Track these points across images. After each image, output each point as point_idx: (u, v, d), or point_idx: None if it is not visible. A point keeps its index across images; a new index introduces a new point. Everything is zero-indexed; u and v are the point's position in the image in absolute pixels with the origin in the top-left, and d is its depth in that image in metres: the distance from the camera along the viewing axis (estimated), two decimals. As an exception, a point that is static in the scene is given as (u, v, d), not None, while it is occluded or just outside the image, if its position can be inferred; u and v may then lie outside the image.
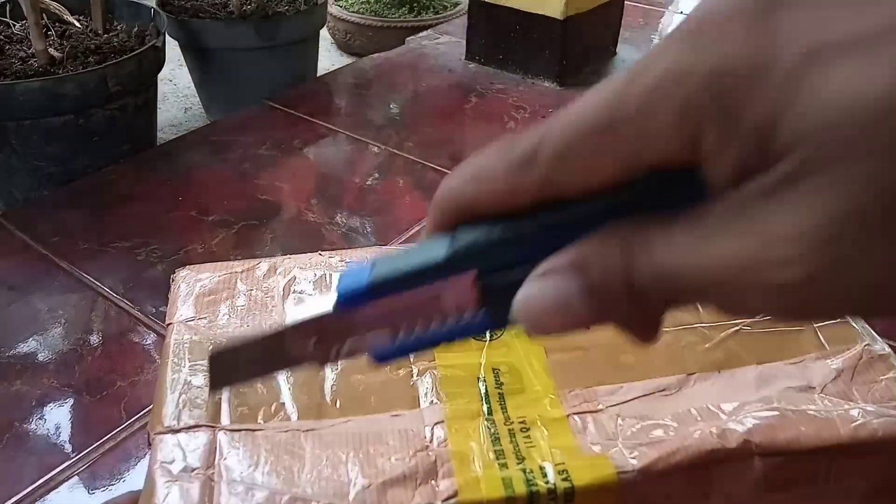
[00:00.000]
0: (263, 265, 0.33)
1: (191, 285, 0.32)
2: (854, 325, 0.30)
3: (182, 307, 0.31)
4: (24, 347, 0.46)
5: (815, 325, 0.30)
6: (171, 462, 0.25)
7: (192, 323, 0.30)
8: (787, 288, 0.12)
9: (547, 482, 0.24)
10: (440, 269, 0.16)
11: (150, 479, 0.24)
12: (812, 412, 0.26)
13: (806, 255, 0.12)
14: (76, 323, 0.48)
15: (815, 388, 0.28)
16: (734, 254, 0.12)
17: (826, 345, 0.29)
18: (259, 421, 0.26)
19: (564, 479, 0.24)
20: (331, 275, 0.33)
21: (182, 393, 0.27)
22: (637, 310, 0.14)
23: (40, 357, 0.46)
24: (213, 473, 0.24)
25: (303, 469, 0.25)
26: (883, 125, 0.11)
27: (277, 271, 0.33)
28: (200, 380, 0.28)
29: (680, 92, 0.12)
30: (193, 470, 0.24)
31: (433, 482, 0.24)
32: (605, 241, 0.14)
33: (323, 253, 0.35)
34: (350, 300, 0.17)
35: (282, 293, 0.32)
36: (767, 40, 0.12)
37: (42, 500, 0.37)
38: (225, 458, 0.25)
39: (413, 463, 0.25)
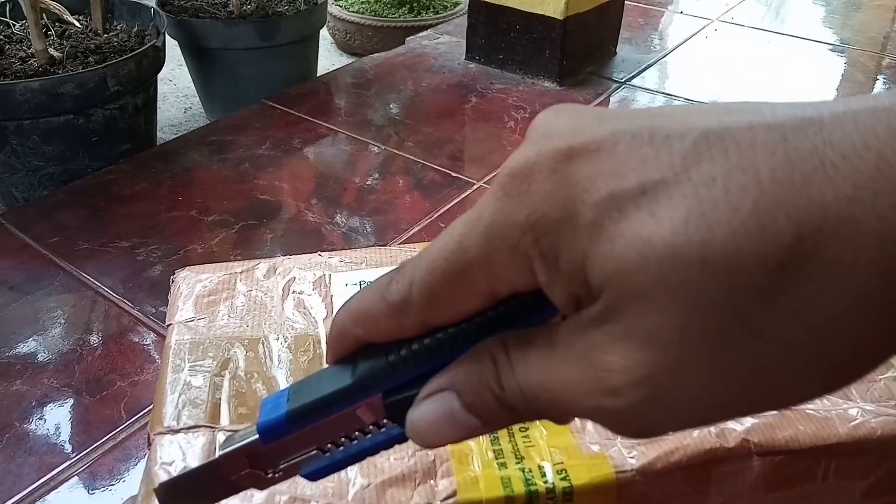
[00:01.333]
0: (263, 266, 0.33)
1: (191, 286, 0.32)
2: None
3: (182, 308, 0.31)
4: (23, 347, 0.46)
5: None
6: (171, 463, 0.25)
7: (191, 323, 0.30)
8: (619, 413, 0.14)
9: (546, 481, 0.24)
10: (347, 395, 0.17)
11: (149, 480, 0.24)
12: (810, 411, 0.26)
13: (628, 387, 0.13)
14: (76, 323, 0.48)
15: None
16: (574, 380, 0.14)
17: None
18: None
19: (563, 479, 0.24)
20: (330, 275, 0.33)
21: (182, 393, 0.27)
22: (516, 420, 0.16)
23: (40, 357, 0.46)
24: None
25: (301, 468, 0.25)
26: (669, 268, 0.12)
27: (277, 272, 0.33)
28: (200, 380, 0.28)
29: (506, 241, 0.14)
30: None
31: (432, 482, 0.24)
32: (475, 361, 0.15)
33: (322, 253, 0.35)
34: (272, 432, 0.18)
35: (281, 294, 0.32)
36: (568, 191, 0.13)
37: (42, 500, 0.37)
38: None
39: (412, 462, 0.25)
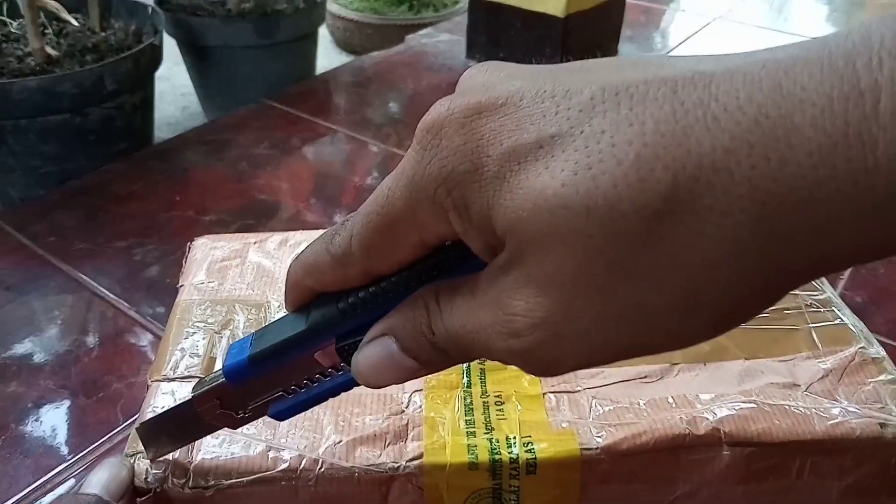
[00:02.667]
0: (276, 237, 0.35)
1: (205, 252, 0.34)
2: (851, 327, 0.30)
3: (195, 271, 0.33)
4: (19, 348, 0.46)
5: (810, 325, 0.30)
6: (161, 407, 0.26)
7: (202, 286, 0.32)
8: (524, 353, 0.15)
9: (510, 452, 0.25)
10: (302, 340, 0.19)
11: (141, 423, 0.25)
12: (790, 407, 0.26)
13: (530, 329, 0.14)
14: (72, 324, 0.48)
15: (800, 385, 0.27)
16: (487, 323, 0.15)
17: (819, 345, 0.29)
18: None
19: (528, 451, 0.25)
20: None
21: (183, 346, 0.29)
22: (450, 362, 0.17)
23: (36, 358, 0.45)
24: None
25: (281, 422, 0.25)
26: (560, 218, 0.13)
27: (289, 243, 0.35)
28: (201, 336, 0.29)
29: (424, 192, 0.15)
30: None
31: (402, 443, 0.25)
32: (411, 308, 0.17)
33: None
34: (236, 374, 0.20)
35: (290, 264, 0.33)
36: (475, 145, 0.14)
37: (38, 502, 0.37)
38: None
39: (385, 424, 0.26)
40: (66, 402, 0.42)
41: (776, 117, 0.12)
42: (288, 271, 0.19)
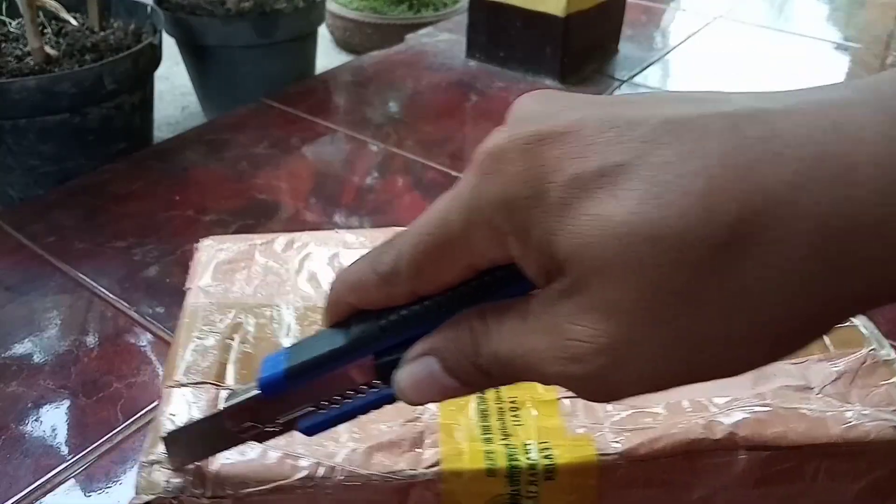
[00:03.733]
0: (282, 239, 0.35)
1: (211, 254, 0.34)
2: (862, 329, 0.30)
3: (201, 274, 0.33)
4: (19, 348, 0.46)
5: None
6: (176, 415, 0.26)
7: (209, 289, 0.32)
8: (583, 379, 0.15)
9: (528, 458, 0.24)
10: (341, 356, 0.19)
11: (156, 429, 0.26)
12: (804, 411, 0.26)
13: (591, 355, 0.14)
14: (72, 324, 0.48)
15: (813, 388, 0.27)
16: (543, 348, 0.15)
17: (830, 347, 0.29)
18: None
19: (546, 457, 0.25)
20: (345, 252, 0.34)
21: (193, 352, 0.29)
22: (492, 384, 0.17)
23: (36, 358, 0.45)
24: None
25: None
26: (626, 245, 0.13)
27: (294, 246, 0.34)
28: (212, 341, 0.29)
29: (482, 216, 0.15)
30: None
31: (418, 450, 0.25)
32: (455, 329, 0.17)
33: (340, 231, 0.36)
34: (271, 387, 0.20)
35: (296, 267, 0.33)
36: (538, 171, 0.14)
37: (38, 502, 0.36)
38: None
39: (402, 431, 0.25)
40: (66, 402, 0.42)
41: (838, 155, 0.13)
42: (330, 288, 0.19)
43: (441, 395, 0.17)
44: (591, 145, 0.14)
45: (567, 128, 0.14)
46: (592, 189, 0.14)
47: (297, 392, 0.20)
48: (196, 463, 0.24)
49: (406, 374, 0.18)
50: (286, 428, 0.21)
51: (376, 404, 0.20)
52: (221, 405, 0.26)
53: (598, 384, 0.15)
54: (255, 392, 0.20)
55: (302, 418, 0.20)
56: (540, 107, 0.16)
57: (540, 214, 0.14)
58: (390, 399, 0.19)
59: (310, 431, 0.21)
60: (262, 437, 0.22)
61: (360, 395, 0.19)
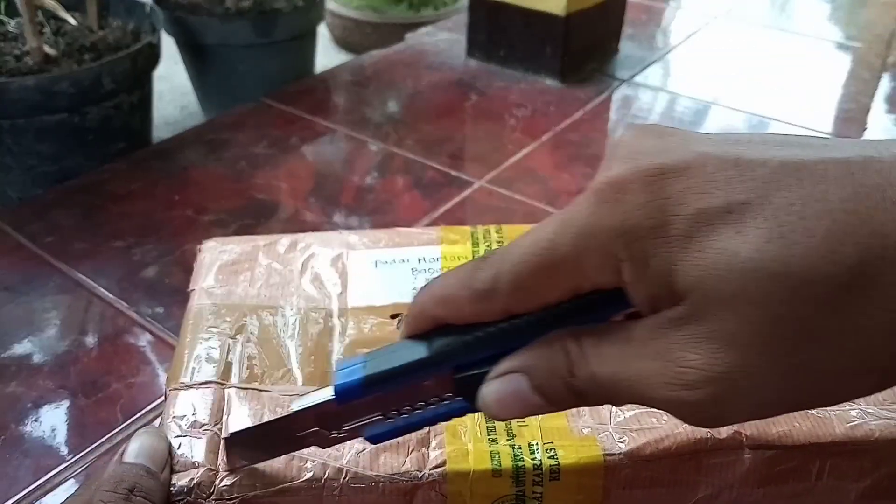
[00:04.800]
0: (285, 240, 0.35)
1: (215, 256, 0.34)
2: None
3: (205, 275, 0.32)
4: (18, 349, 0.46)
5: None
6: (183, 417, 0.26)
7: (213, 290, 0.32)
8: (693, 405, 0.16)
9: (534, 458, 0.25)
10: (423, 368, 0.19)
11: (163, 432, 0.26)
12: (809, 410, 0.26)
13: (704, 383, 0.15)
14: (71, 324, 0.48)
15: None
16: (652, 372, 0.16)
17: None
18: (266, 384, 0.28)
19: (551, 457, 0.25)
20: (348, 253, 0.34)
21: (198, 353, 0.29)
22: (583, 404, 0.18)
23: (35, 358, 0.45)
24: (219, 429, 0.26)
25: None
26: (751, 280, 0.14)
27: (298, 247, 0.34)
28: (216, 342, 0.29)
29: (599, 242, 0.16)
30: (202, 425, 0.26)
31: (424, 451, 0.25)
32: (547, 349, 0.18)
33: (343, 232, 0.36)
34: (347, 394, 0.20)
35: (300, 268, 0.33)
36: (661, 203, 0.15)
37: (38, 502, 0.36)
38: (231, 415, 0.26)
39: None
40: (66, 403, 0.42)
41: None
42: (414, 301, 0.19)
43: (526, 412, 0.18)
44: (715, 182, 0.15)
45: (690, 163, 0.15)
46: (717, 224, 0.15)
47: (369, 401, 0.20)
48: (251, 465, 0.24)
49: (493, 389, 0.18)
50: (351, 435, 0.21)
51: (446, 416, 0.20)
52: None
53: (709, 411, 0.16)
54: (329, 398, 0.20)
55: (369, 426, 0.20)
56: (653, 141, 0.17)
57: (662, 245, 0.15)
58: (460, 412, 0.19)
59: (376, 440, 0.21)
60: (325, 443, 0.22)
61: (430, 405, 0.20)
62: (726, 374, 0.15)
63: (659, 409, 0.16)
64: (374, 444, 0.21)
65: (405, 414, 0.20)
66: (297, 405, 0.21)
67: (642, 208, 0.15)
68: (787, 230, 0.14)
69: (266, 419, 0.24)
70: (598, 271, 0.16)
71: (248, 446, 0.23)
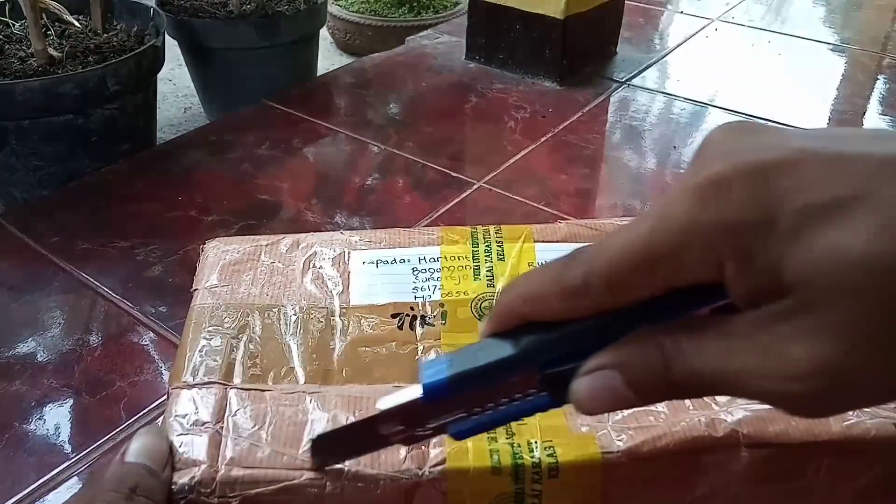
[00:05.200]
0: (287, 240, 0.35)
1: (218, 255, 0.34)
2: None
3: (208, 275, 0.33)
4: (23, 347, 0.46)
5: None
6: (185, 416, 0.26)
7: (215, 289, 0.32)
8: (800, 397, 0.16)
9: (532, 456, 0.25)
10: (509, 365, 0.19)
11: (164, 431, 0.26)
12: None
13: (812, 374, 0.15)
14: (75, 323, 0.48)
15: None
16: (758, 366, 0.16)
17: None
18: (269, 383, 0.28)
19: (549, 455, 0.25)
20: (349, 252, 0.34)
21: (200, 352, 0.29)
22: (678, 397, 0.18)
23: (40, 357, 0.46)
24: (221, 428, 0.26)
25: (305, 429, 0.26)
26: (861, 274, 0.14)
27: (300, 246, 0.34)
28: (218, 341, 0.29)
29: (702, 238, 0.16)
30: (204, 424, 0.26)
31: (424, 449, 0.25)
32: (640, 345, 0.18)
33: (344, 232, 0.36)
34: (435, 392, 0.20)
35: (302, 267, 0.33)
36: (766, 199, 0.15)
37: (41, 500, 0.37)
38: (234, 415, 0.26)
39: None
40: (70, 401, 0.43)
41: None
42: (499, 300, 0.20)
43: (617, 407, 0.19)
44: (819, 178, 0.15)
45: (792, 160, 0.16)
46: (824, 219, 0.15)
47: (454, 398, 0.20)
48: (337, 464, 0.24)
49: (585, 385, 0.18)
50: (436, 432, 0.21)
51: (529, 411, 0.20)
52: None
53: (816, 402, 0.16)
54: (417, 396, 0.20)
55: (453, 423, 0.21)
56: (749, 138, 0.17)
57: (768, 241, 0.15)
58: (544, 407, 0.20)
59: (460, 436, 0.21)
60: (410, 441, 0.22)
61: (513, 401, 0.20)
62: (833, 366, 0.15)
63: (763, 401, 0.17)
64: (458, 440, 0.21)
65: (489, 410, 0.20)
66: (384, 405, 0.21)
67: (746, 205, 0.16)
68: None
69: (352, 420, 0.24)
70: (697, 268, 0.16)
71: (334, 447, 0.24)
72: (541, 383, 0.19)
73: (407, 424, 0.21)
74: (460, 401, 0.20)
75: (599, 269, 0.17)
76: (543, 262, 0.33)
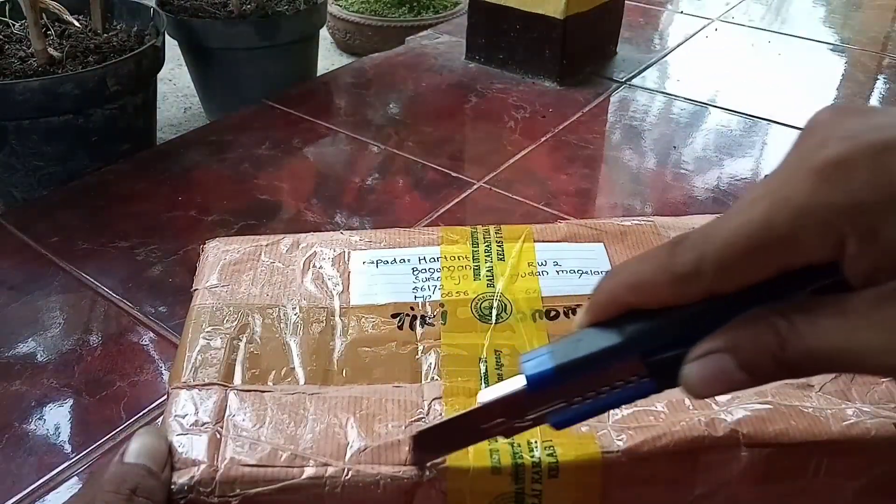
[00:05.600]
0: (287, 240, 0.35)
1: (218, 255, 0.34)
2: None
3: (208, 275, 0.33)
4: (23, 347, 0.46)
5: None
6: (185, 416, 0.26)
7: (215, 289, 0.32)
8: None
9: (532, 456, 0.25)
10: (614, 354, 0.19)
11: (164, 431, 0.26)
12: (805, 408, 0.26)
13: None
14: (75, 323, 0.48)
15: (813, 386, 0.28)
16: (879, 342, 0.16)
17: None
18: (269, 383, 0.28)
19: (549, 455, 0.25)
20: (350, 252, 0.34)
21: (200, 353, 0.29)
22: (792, 377, 0.18)
23: (39, 357, 0.46)
24: (221, 428, 0.26)
25: (305, 429, 0.26)
26: None
27: (300, 246, 0.34)
28: (218, 342, 0.29)
29: (823, 219, 0.16)
30: (203, 424, 0.26)
31: None
32: (754, 327, 0.18)
33: (344, 232, 0.36)
34: (539, 383, 0.20)
35: (302, 267, 0.33)
36: (890, 178, 0.16)
37: (41, 500, 0.37)
38: (233, 416, 0.26)
39: (408, 431, 0.26)
40: (70, 401, 0.43)
41: None
42: (600, 290, 0.20)
43: (729, 390, 0.19)
44: None
45: None
46: None
47: (558, 388, 0.20)
48: (436, 459, 0.25)
49: (697, 369, 0.19)
50: (535, 423, 0.21)
51: (630, 398, 0.20)
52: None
53: None
54: (521, 387, 0.20)
55: (553, 413, 0.21)
56: (862, 119, 0.17)
57: (892, 218, 0.16)
58: (646, 393, 0.20)
59: (560, 425, 0.21)
60: (509, 433, 0.22)
61: (614, 389, 0.20)
62: None
63: (883, 376, 0.17)
64: (559, 429, 0.21)
65: (589, 399, 0.20)
66: (486, 398, 0.21)
67: (870, 184, 0.16)
68: None
69: (455, 414, 0.24)
70: (814, 248, 0.17)
71: (435, 442, 0.24)
72: (643, 370, 0.19)
73: (507, 416, 0.22)
74: (562, 390, 0.20)
75: (712, 254, 0.17)
76: (543, 261, 0.34)
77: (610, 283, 0.20)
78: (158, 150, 0.76)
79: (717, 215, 0.18)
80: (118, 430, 0.41)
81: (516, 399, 0.21)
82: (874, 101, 0.81)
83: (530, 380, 0.20)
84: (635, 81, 0.83)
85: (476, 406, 0.22)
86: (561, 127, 0.73)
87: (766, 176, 0.18)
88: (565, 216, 0.59)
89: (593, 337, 0.20)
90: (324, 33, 1.28)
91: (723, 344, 0.18)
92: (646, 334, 0.19)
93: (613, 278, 0.20)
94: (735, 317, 0.18)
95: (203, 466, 0.24)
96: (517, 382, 0.21)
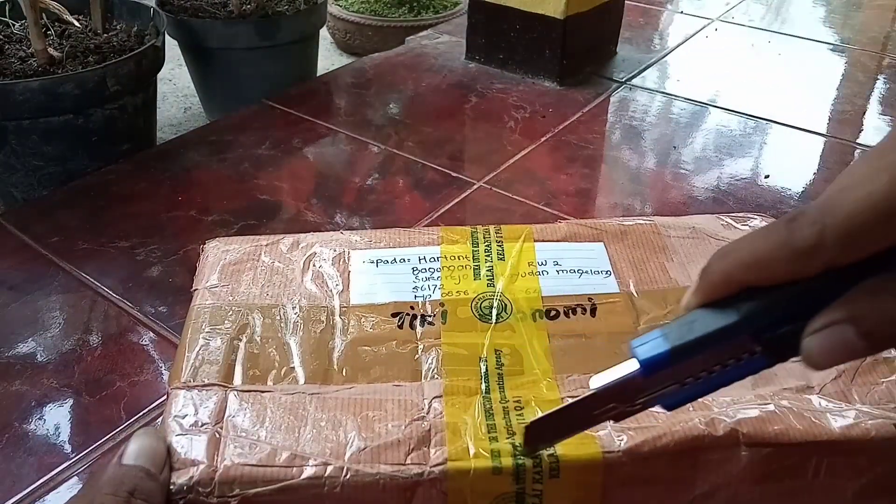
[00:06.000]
0: (287, 240, 0.35)
1: (218, 255, 0.34)
2: None
3: (208, 275, 0.33)
4: (23, 347, 0.46)
5: None
6: (184, 417, 0.26)
7: (215, 289, 0.32)
8: None
9: (533, 456, 0.25)
10: (731, 333, 0.19)
11: (163, 431, 0.26)
12: (805, 409, 0.26)
13: None
14: (75, 323, 0.48)
15: (813, 387, 0.28)
16: None
17: None
18: (269, 383, 0.28)
19: (550, 455, 0.25)
20: (349, 252, 0.34)
21: (200, 353, 0.29)
22: None
23: (39, 357, 0.46)
24: (220, 428, 0.26)
25: (304, 429, 0.26)
26: None
27: (300, 246, 0.34)
28: (218, 342, 0.29)
29: None
30: (203, 424, 0.26)
31: (425, 449, 0.25)
32: (875, 296, 0.18)
33: (344, 231, 0.36)
34: (654, 366, 0.20)
35: (302, 266, 0.33)
36: None
37: (41, 500, 0.37)
38: (233, 416, 0.26)
39: (408, 430, 0.26)
40: (70, 401, 0.43)
41: None
42: (710, 270, 0.20)
43: (850, 358, 0.19)
44: None
45: None
46: None
47: (670, 371, 0.20)
48: (548, 447, 0.25)
49: (818, 341, 0.19)
50: (645, 406, 0.22)
51: (742, 375, 0.20)
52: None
53: None
54: (635, 371, 0.20)
55: (663, 396, 0.21)
56: None
57: None
58: (756, 369, 0.20)
59: (672, 407, 0.21)
60: (620, 417, 0.22)
61: (725, 368, 0.20)
62: None
63: None
64: (670, 411, 0.22)
65: (701, 379, 0.20)
66: (598, 384, 0.21)
67: None
68: None
69: (567, 405, 0.24)
70: None
71: (547, 430, 0.24)
72: (755, 347, 0.19)
73: (619, 401, 0.21)
74: (675, 372, 0.20)
75: (834, 227, 0.17)
76: (543, 261, 0.34)
77: (722, 263, 0.19)
78: (158, 150, 0.76)
79: (824, 192, 0.18)
80: (118, 430, 0.41)
81: (630, 384, 0.21)
82: (874, 101, 0.81)
83: (645, 363, 0.20)
84: (635, 81, 0.83)
85: (589, 392, 0.22)
86: (561, 127, 0.73)
87: (875, 147, 0.18)
88: (565, 216, 0.59)
89: (706, 317, 0.19)
90: (324, 33, 1.28)
91: (844, 315, 0.18)
92: (761, 312, 0.19)
93: (726, 258, 0.19)
94: (849, 289, 0.18)
95: (202, 467, 0.24)
96: (630, 367, 0.21)
